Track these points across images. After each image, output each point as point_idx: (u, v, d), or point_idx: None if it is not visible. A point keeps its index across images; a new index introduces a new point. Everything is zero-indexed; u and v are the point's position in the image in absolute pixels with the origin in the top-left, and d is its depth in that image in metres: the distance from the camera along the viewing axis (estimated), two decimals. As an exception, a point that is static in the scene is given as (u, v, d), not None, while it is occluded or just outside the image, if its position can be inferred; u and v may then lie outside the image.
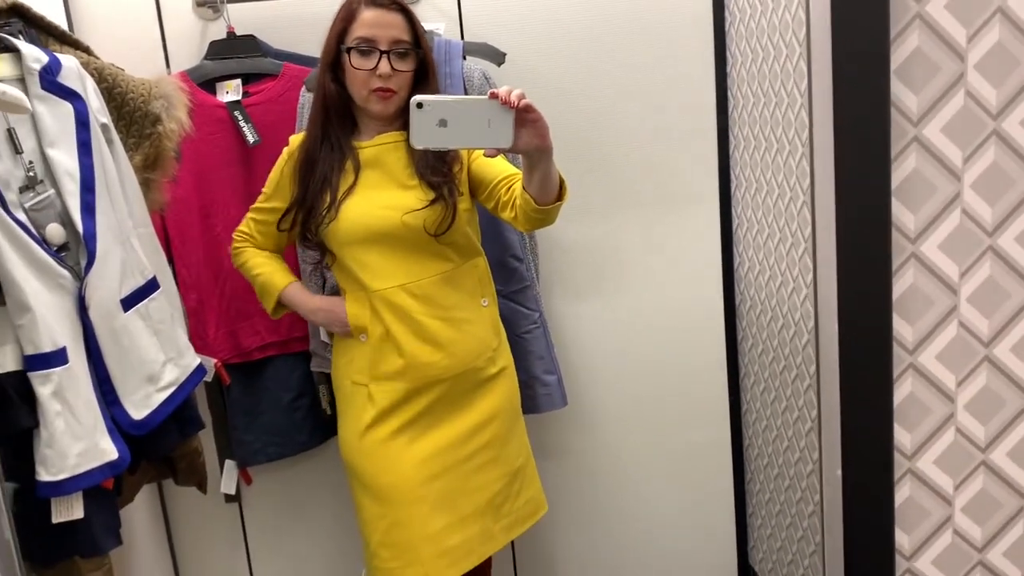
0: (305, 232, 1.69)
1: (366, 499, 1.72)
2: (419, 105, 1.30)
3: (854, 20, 0.90)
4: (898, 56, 0.94)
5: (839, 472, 0.96)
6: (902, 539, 1.06)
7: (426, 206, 1.62)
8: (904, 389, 1.03)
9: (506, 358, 1.81)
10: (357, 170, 1.65)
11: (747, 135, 2.00)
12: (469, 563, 1.71)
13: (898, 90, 0.96)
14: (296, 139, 1.74)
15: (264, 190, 1.76)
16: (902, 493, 1.05)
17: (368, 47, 1.59)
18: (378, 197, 1.64)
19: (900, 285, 1.00)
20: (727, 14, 2.04)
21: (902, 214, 0.99)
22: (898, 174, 0.97)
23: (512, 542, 2.31)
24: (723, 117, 2.10)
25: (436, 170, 1.64)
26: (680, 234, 2.17)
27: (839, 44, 0.89)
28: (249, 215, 1.79)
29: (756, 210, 1.99)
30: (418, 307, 1.65)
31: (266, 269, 1.77)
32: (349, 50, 1.60)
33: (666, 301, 2.20)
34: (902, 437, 1.04)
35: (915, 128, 0.99)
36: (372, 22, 1.59)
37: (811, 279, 1.71)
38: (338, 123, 1.66)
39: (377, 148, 1.66)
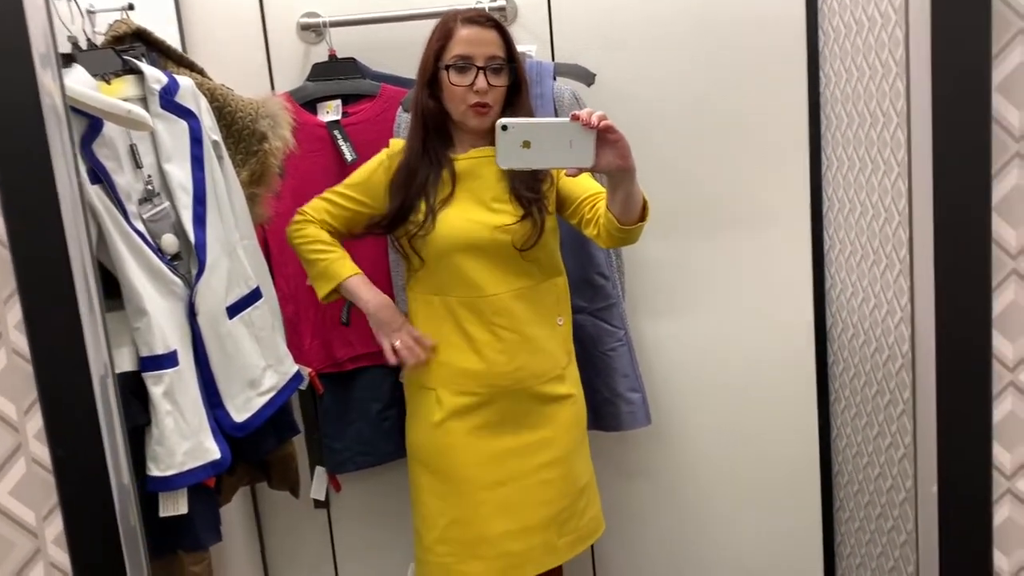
0: (396, 238, 1.75)
1: (428, 495, 1.76)
2: (504, 128, 1.36)
3: (954, 36, 0.90)
4: (1000, 71, 0.94)
5: (934, 489, 0.95)
6: (1001, 561, 1.03)
7: (517, 221, 1.67)
8: (1004, 407, 1.01)
9: (575, 378, 1.84)
10: (454, 182, 1.71)
11: (840, 155, 1.98)
12: (528, 571, 1.75)
13: (1000, 105, 0.95)
14: (397, 143, 1.79)
15: (349, 180, 1.79)
16: (1001, 513, 1.03)
17: (465, 64, 1.65)
18: (472, 209, 1.69)
19: (1001, 302, 0.99)
20: (821, 34, 2.03)
21: (1003, 230, 0.98)
22: (999, 189, 0.97)
23: (593, 561, 2.30)
24: (815, 137, 2.08)
25: (529, 187, 1.69)
26: (769, 254, 2.15)
27: (939, 61, 0.89)
28: (323, 196, 1.78)
29: (849, 231, 1.96)
30: (496, 318, 1.70)
31: (331, 256, 1.75)
32: (448, 68, 1.66)
33: (754, 321, 2.18)
34: (1001, 456, 1.02)
35: (1017, 144, 0.97)
36: (469, 39, 1.65)
37: (906, 301, 1.68)
38: (436, 137, 1.72)
39: (472, 161, 1.72)
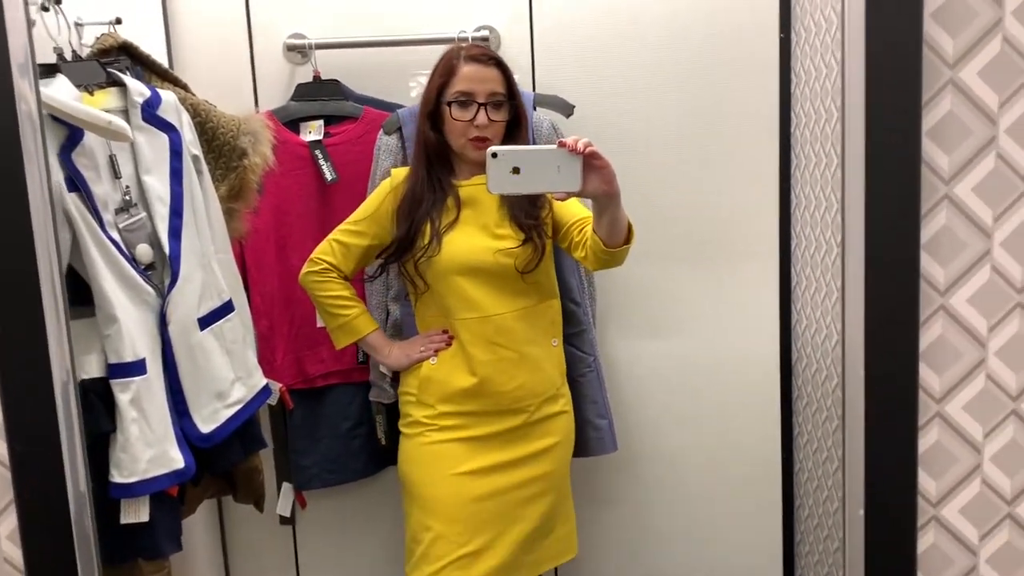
0: (402, 264, 1.79)
1: (418, 511, 1.79)
2: (494, 155, 1.41)
3: (886, 85, 0.95)
4: (931, 118, 0.99)
5: (861, 512, 0.98)
6: (925, 587, 1.07)
7: (519, 245, 1.73)
8: (930, 437, 1.05)
9: (568, 399, 1.90)
10: (459, 207, 1.76)
11: (808, 193, 2.03)
12: None
13: (930, 149, 1.00)
14: (400, 173, 1.84)
15: (356, 215, 1.83)
16: (926, 540, 1.06)
17: (467, 99, 1.71)
18: (476, 234, 1.75)
19: (928, 336, 1.03)
20: (793, 76, 2.09)
21: (931, 267, 1.03)
22: (928, 229, 1.01)
23: (556, 586, 2.32)
24: (785, 174, 2.14)
25: (529, 213, 1.75)
26: (738, 288, 2.19)
27: (872, 108, 0.94)
28: (333, 238, 1.83)
29: (815, 268, 2.00)
30: (498, 338, 1.74)
31: (353, 312, 1.83)
32: (450, 103, 1.72)
33: (722, 353, 2.21)
34: (927, 484, 1.06)
35: (946, 186, 1.02)
36: (471, 77, 1.72)
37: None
38: (439, 165, 1.78)
39: (474, 187, 1.78)
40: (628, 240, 1.62)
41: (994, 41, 0.99)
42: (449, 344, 1.79)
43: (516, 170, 1.40)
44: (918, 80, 0.95)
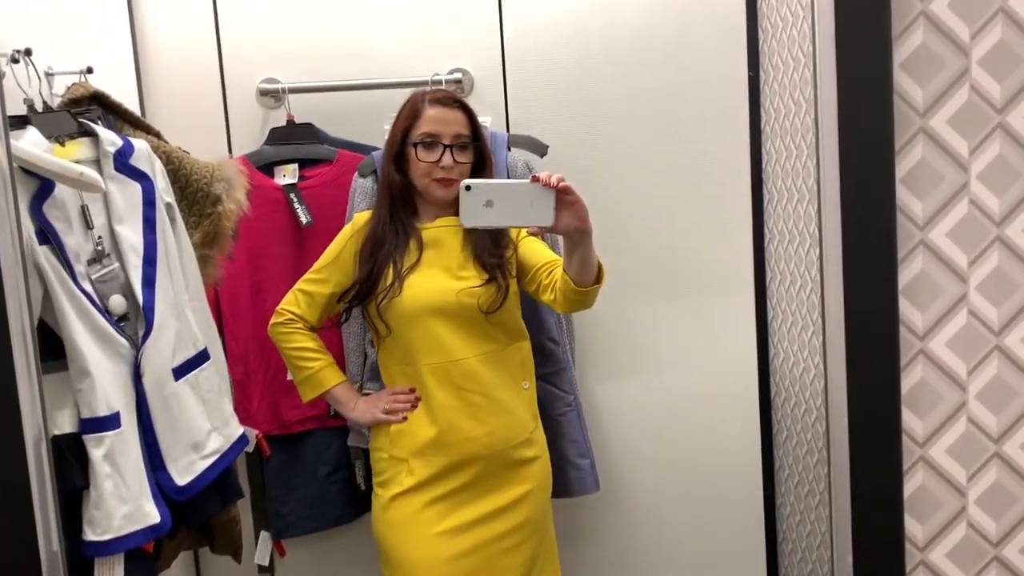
0: (364, 307, 1.78)
1: (393, 571, 1.76)
2: (468, 188, 1.42)
3: (860, 133, 0.97)
4: (904, 165, 1.01)
5: (850, 559, 0.98)
6: (915, 634, 1.07)
7: (481, 285, 1.72)
8: (915, 481, 1.06)
9: (542, 443, 1.86)
10: (420, 249, 1.76)
11: (781, 228, 2.05)
12: None
13: (904, 196, 1.02)
14: (361, 217, 1.83)
15: (319, 263, 1.83)
16: (914, 585, 1.07)
17: (432, 141, 1.72)
18: (438, 276, 1.74)
19: (909, 380, 1.04)
20: (763, 113, 2.12)
21: (910, 312, 1.04)
22: (906, 274, 1.03)
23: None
24: (758, 210, 2.16)
25: (492, 253, 1.75)
26: (715, 324, 2.20)
27: (846, 155, 0.96)
28: (298, 288, 1.83)
29: (791, 302, 2.02)
30: (465, 383, 1.72)
31: (319, 364, 1.81)
32: (415, 145, 1.73)
33: (702, 389, 2.22)
34: (913, 528, 1.06)
35: (921, 232, 1.04)
36: (436, 119, 1.73)
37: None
38: (402, 207, 1.78)
39: (438, 229, 1.77)
40: (598, 280, 1.62)
41: (962, 89, 1.02)
42: (415, 405, 1.77)
43: (489, 203, 1.41)
44: (890, 129, 0.97)
